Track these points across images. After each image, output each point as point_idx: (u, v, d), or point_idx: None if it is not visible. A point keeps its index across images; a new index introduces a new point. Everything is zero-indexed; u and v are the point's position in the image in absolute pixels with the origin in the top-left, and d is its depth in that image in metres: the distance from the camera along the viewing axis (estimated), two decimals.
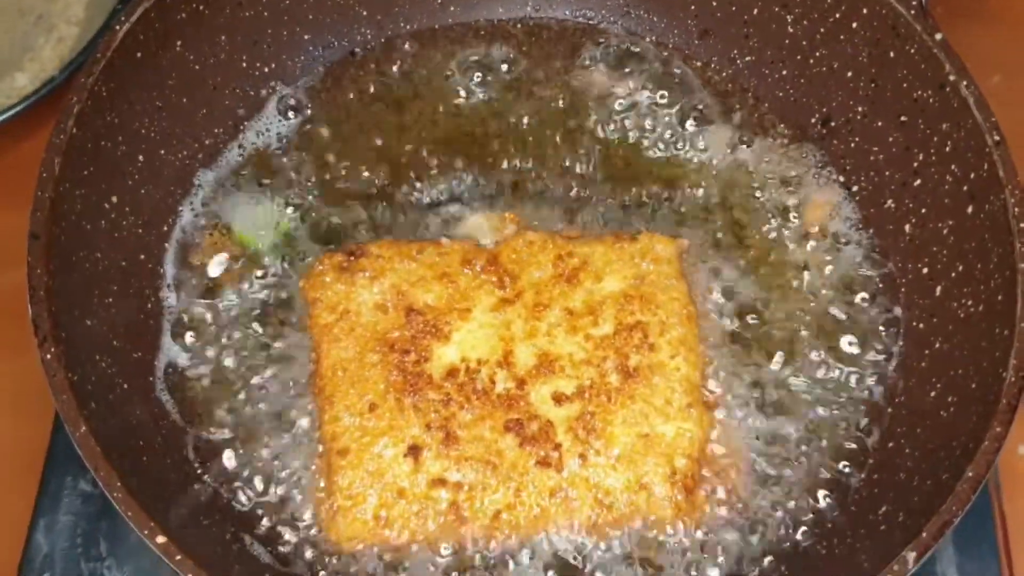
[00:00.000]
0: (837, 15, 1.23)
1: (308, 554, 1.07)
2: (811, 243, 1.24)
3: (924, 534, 0.93)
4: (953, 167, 1.13)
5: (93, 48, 1.23)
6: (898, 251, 1.21)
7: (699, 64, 1.36)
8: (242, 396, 1.14)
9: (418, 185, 1.27)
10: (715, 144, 1.30)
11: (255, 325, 1.18)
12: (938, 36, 1.14)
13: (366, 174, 1.28)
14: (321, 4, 1.32)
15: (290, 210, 1.25)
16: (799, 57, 1.28)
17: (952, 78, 1.12)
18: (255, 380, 1.15)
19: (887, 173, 1.22)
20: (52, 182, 1.04)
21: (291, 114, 1.31)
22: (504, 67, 1.35)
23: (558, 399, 1.10)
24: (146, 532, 0.92)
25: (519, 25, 1.39)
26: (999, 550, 1.15)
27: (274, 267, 1.21)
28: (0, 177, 1.41)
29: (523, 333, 1.13)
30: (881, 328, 1.19)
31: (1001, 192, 1.06)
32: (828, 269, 1.22)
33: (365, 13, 1.35)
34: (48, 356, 0.97)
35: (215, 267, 1.21)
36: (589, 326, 1.13)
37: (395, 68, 1.35)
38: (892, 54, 1.18)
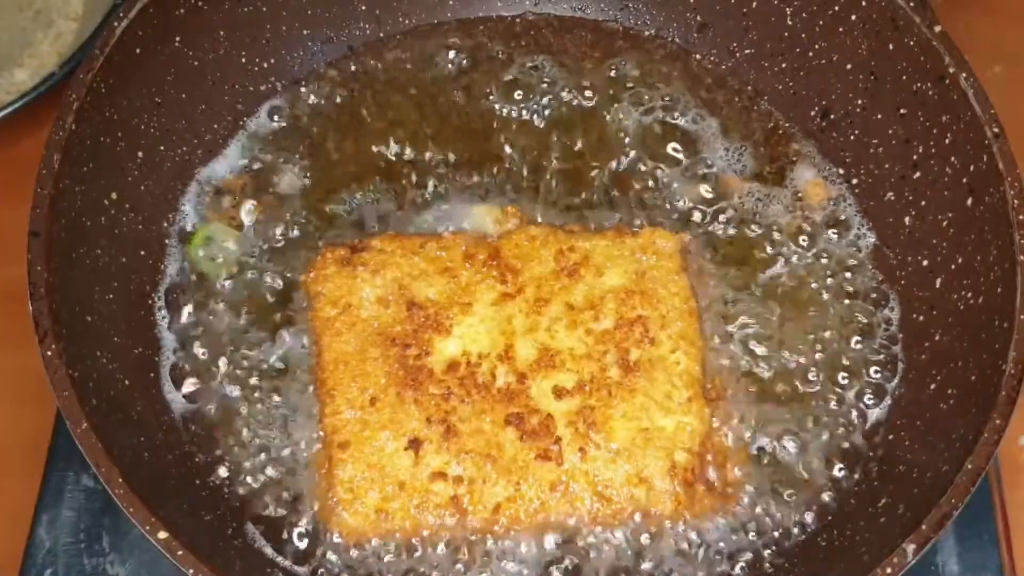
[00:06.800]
0: (836, 8, 1.22)
1: (309, 547, 1.07)
2: (810, 236, 1.24)
3: (924, 526, 0.93)
4: (952, 159, 1.13)
5: (92, 44, 1.22)
6: (898, 243, 1.21)
7: (698, 57, 1.36)
8: (243, 391, 1.15)
9: (418, 180, 1.27)
10: (715, 139, 1.30)
11: (255, 317, 1.18)
12: (937, 28, 1.13)
13: (365, 169, 1.28)
14: (319, 0, 1.32)
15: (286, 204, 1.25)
16: (798, 50, 1.28)
17: (951, 70, 1.12)
18: (256, 374, 1.15)
19: (886, 166, 1.22)
20: (52, 179, 1.04)
21: (290, 110, 1.31)
22: (504, 63, 1.35)
23: (558, 393, 1.10)
24: (148, 528, 0.92)
25: (518, 21, 1.38)
26: (999, 541, 1.15)
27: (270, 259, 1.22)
28: None
29: (524, 327, 1.13)
30: (880, 321, 1.19)
31: (1000, 184, 1.06)
32: (828, 261, 1.22)
33: (364, 8, 1.35)
34: (49, 353, 0.97)
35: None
36: (590, 320, 1.14)
37: (394, 64, 1.35)
38: (891, 46, 1.18)
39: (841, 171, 1.27)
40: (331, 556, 1.07)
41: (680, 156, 1.29)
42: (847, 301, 1.20)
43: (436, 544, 1.06)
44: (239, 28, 1.27)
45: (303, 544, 1.07)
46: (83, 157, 1.09)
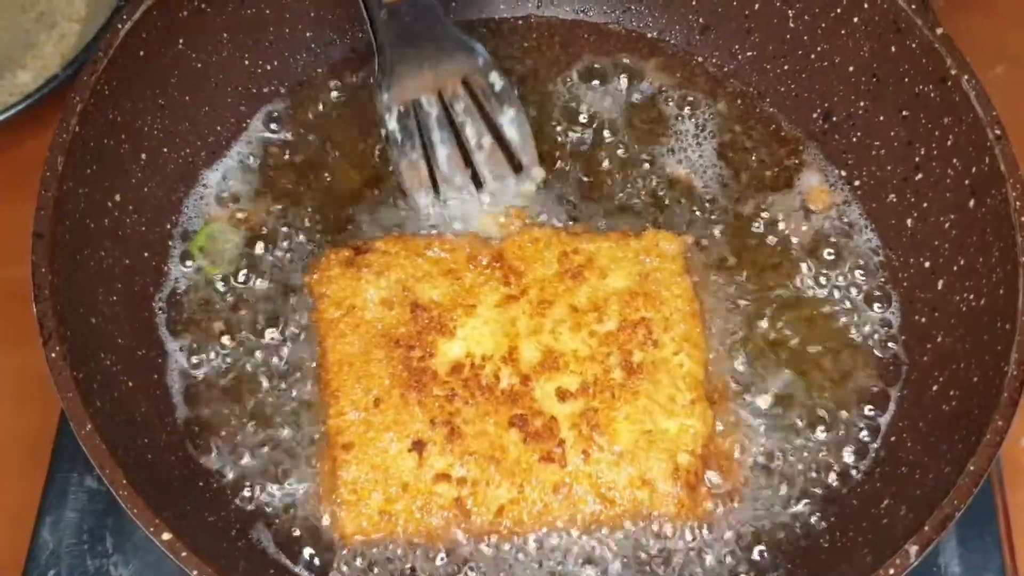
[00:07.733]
0: (838, 10, 1.23)
1: (313, 548, 1.07)
2: (813, 238, 1.24)
3: (926, 527, 0.93)
4: (955, 161, 1.13)
5: (95, 46, 1.22)
6: (900, 245, 1.21)
7: (700, 60, 1.36)
8: (247, 391, 1.15)
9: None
10: (717, 139, 1.30)
11: (259, 319, 1.18)
12: (939, 30, 1.14)
13: (368, 170, 1.28)
14: (323, 1, 1.32)
15: (279, 207, 1.25)
16: (800, 52, 1.28)
17: (953, 72, 1.12)
18: (259, 375, 1.15)
19: (889, 168, 1.22)
20: (56, 181, 1.04)
21: (293, 112, 1.31)
22: (507, 64, 1.35)
23: (562, 395, 1.10)
24: (151, 529, 0.92)
25: (520, 23, 1.38)
26: (1001, 543, 1.16)
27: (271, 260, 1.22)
28: (2, 174, 1.42)
29: (528, 329, 1.13)
30: (882, 323, 1.19)
31: (1002, 186, 1.06)
32: (830, 263, 1.23)
33: None
34: (53, 354, 0.97)
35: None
36: (593, 322, 1.14)
37: None
38: (893, 48, 1.18)
39: (843, 173, 1.27)
40: (334, 557, 1.07)
41: (681, 158, 1.29)
42: (848, 302, 1.21)
43: (439, 546, 1.06)
44: (242, 30, 1.27)
45: (307, 545, 1.07)
46: (87, 159, 1.09)
